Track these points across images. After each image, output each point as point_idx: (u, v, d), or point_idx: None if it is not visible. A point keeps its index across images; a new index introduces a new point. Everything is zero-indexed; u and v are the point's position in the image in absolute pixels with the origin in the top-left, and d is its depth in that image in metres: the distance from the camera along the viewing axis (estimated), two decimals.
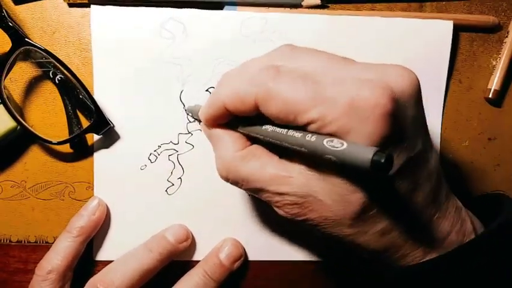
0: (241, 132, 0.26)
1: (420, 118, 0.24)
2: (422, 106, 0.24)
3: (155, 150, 0.34)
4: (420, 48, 0.34)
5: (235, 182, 0.26)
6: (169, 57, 0.34)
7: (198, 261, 0.34)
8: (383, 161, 0.18)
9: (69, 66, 0.31)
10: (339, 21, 0.34)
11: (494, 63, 0.36)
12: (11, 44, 0.31)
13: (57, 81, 0.33)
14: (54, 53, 0.31)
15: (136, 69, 0.33)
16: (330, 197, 0.23)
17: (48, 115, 0.34)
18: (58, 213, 0.34)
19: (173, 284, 0.32)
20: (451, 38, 0.34)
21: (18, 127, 0.32)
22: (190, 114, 0.34)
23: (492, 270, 0.24)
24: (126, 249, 0.33)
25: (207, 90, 0.34)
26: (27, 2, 0.34)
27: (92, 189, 0.34)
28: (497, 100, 0.36)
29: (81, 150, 0.34)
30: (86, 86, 0.32)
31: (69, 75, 0.32)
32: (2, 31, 0.31)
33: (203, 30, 0.33)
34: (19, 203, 0.34)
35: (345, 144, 0.20)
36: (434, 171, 0.24)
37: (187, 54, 0.34)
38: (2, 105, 0.31)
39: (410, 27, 0.34)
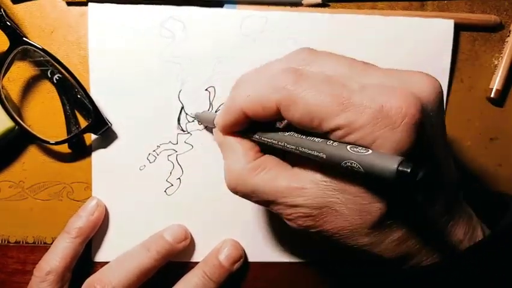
0: (254, 140, 0.25)
1: (443, 125, 0.24)
2: (444, 113, 0.24)
3: (154, 151, 0.34)
4: (421, 47, 0.34)
5: (244, 195, 0.25)
6: (169, 56, 0.33)
7: (197, 263, 0.34)
8: (409, 171, 0.18)
9: (67, 65, 0.31)
10: (340, 19, 0.34)
11: (496, 62, 0.36)
12: (9, 43, 0.31)
13: (55, 81, 0.33)
14: (53, 52, 0.31)
15: (134, 68, 0.33)
16: (346, 207, 0.22)
17: (46, 115, 0.34)
18: (56, 214, 0.34)
19: (172, 285, 0.32)
20: (452, 37, 0.34)
21: (16, 127, 0.32)
22: (198, 121, 0.34)
23: (499, 272, 0.24)
24: (125, 250, 0.33)
25: (206, 90, 0.34)
26: (25, 1, 0.33)
27: (91, 190, 0.34)
28: (499, 100, 0.36)
29: (79, 150, 0.34)
30: (84, 85, 0.32)
31: (67, 74, 0.32)
32: (0, 30, 0.30)
33: (203, 28, 0.33)
34: (17, 203, 0.34)
35: (370, 151, 0.20)
36: (451, 179, 0.24)
37: (187, 53, 0.33)
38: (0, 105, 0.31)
39: (411, 26, 0.34)
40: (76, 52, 0.34)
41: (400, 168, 0.18)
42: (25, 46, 0.31)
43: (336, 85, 0.21)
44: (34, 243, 0.35)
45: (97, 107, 0.32)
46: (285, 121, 0.25)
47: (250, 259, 0.35)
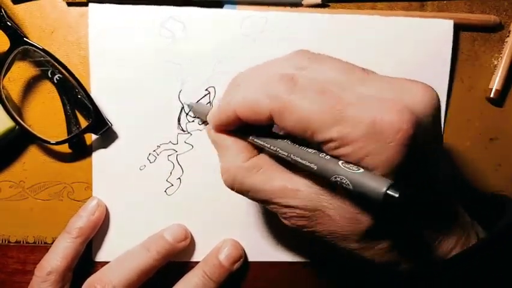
0: (249, 141, 0.25)
1: (438, 137, 0.24)
2: (441, 125, 0.24)
3: (154, 151, 0.34)
4: (421, 48, 0.34)
5: (241, 193, 0.25)
6: (169, 56, 0.33)
7: (197, 262, 0.34)
8: (397, 196, 0.18)
9: (67, 65, 0.31)
10: (340, 20, 0.34)
11: (495, 62, 0.36)
12: (9, 44, 0.31)
13: (55, 81, 0.33)
14: (53, 52, 0.31)
15: (134, 68, 0.33)
16: (338, 213, 0.23)
17: (46, 115, 0.34)
18: (57, 214, 0.34)
19: (172, 285, 0.32)
20: (452, 37, 0.34)
21: (17, 127, 0.32)
22: (191, 111, 0.34)
23: (490, 276, 0.24)
24: (125, 250, 0.33)
25: (206, 90, 0.34)
26: (25, 2, 0.33)
27: (91, 190, 0.34)
28: (499, 100, 0.36)
29: (79, 150, 0.34)
30: (85, 85, 0.32)
31: (67, 74, 0.32)
32: (1, 30, 0.30)
33: (203, 29, 0.33)
34: (18, 203, 0.34)
35: (362, 170, 0.20)
36: (445, 190, 0.24)
37: (187, 53, 0.33)
38: (0, 105, 0.31)
39: (411, 26, 0.34)
40: (76, 52, 0.34)
41: (388, 192, 0.18)
42: (25, 46, 0.31)
43: (330, 96, 0.21)
44: (34, 243, 0.35)
45: (97, 107, 0.32)
46: None
47: (250, 259, 0.35)
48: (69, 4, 0.33)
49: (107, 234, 0.34)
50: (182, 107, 0.34)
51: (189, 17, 0.33)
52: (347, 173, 0.20)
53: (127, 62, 0.33)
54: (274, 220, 0.35)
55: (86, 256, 0.34)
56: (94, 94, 0.33)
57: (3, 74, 0.31)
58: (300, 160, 0.22)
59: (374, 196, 0.19)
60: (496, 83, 0.35)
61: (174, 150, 0.34)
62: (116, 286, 0.30)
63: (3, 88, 0.31)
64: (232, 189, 0.25)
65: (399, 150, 0.20)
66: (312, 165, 0.21)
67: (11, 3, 0.33)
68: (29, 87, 0.34)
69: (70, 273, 0.32)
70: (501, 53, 0.35)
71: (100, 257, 0.34)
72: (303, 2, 0.34)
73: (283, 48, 0.33)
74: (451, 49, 0.34)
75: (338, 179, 0.20)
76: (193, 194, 0.34)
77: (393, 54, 0.34)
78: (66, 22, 0.33)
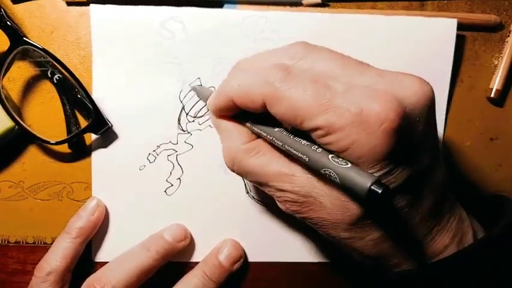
0: (248, 128, 0.26)
1: (431, 132, 0.24)
2: (435, 119, 0.24)
3: (154, 151, 0.34)
4: (422, 47, 0.34)
5: (240, 174, 0.26)
6: (169, 57, 0.33)
7: (196, 263, 0.34)
8: (380, 192, 0.19)
9: (67, 65, 0.31)
10: (340, 19, 0.34)
11: (496, 62, 0.36)
12: (9, 43, 0.31)
13: (55, 81, 0.33)
14: (53, 52, 0.31)
15: (135, 68, 0.33)
16: (330, 201, 0.23)
17: (46, 115, 0.34)
18: (56, 214, 0.34)
19: (172, 286, 0.32)
20: (455, 36, 0.34)
21: (16, 127, 0.32)
22: (195, 93, 0.33)
23: (487, 277, 0.24)
24: (125, 250, 0.33)
25: None
26: (25, 1, 0.33)
27: (91, 190, 0.34)
28: (499, 100, 0.36)
29: (79, 150, 0.34)
30: (85, 85, 0.32)
31: (67, 74, 0.32)
32: (0, 30, 0.30)
33: (203, 29, 0.33)
34: (17, 203, 0.34)
35: (349, 164, 0.20)
36: (439, 185, 0.24)
37: (187, 53, 0.33)
38: (0, 104, 0.31)
39: (412, 25, 0.34)
40: (76, 52, 0.34)
41: (372, 188, 0.19)
42: (25, 46, 0.31)
43: (321, 86, 0.21)
44: (34, 243, 0.34)
45: (97, 107, 0.32)
46: None
47: (250, 259, 0.35)
48: (69, 4, 0.33)
49: (106, 234, 0.34)
50: (183, 107, 0.34)
51: (189, 17, 0.33)
52: (335, 166, 0.20)
53: (127, 62, 0.33)
54: (275, 220, 0.35)
55: (86, 256, 0.34)
56: (94, 94, 0.33)
57: (2, 73, 0.31)
58: (293, 151, 0.23)
59: (358, 191, 0.19)
60: (496, 83, 0.35)
61: (174, 150, 0.34)
62: (115, 286, 0.30)
63: (2, 88, 0.31)
64: (233, 170, 0.26)
65: (385, 139, 0.20)
66: (304, 157, 0.22)
67: (10, 3, 0.33)
68: (29, 87, 0.34)
69: (69, 273, 0.32)
70: (501, 53, 0.35)
71: (100, 257, 0.34)
72: (303, 2, 0.34)
73: None
74: (453, 48, 0.34)
75: (327, 172, 0.21)
76: (193, 194, 0.34)
77: (394, 53, 0.34)
78: (66, 22, 0.33)
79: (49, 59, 0.31)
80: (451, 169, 0.36)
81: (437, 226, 0.24)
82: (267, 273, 0.35)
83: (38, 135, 0.32)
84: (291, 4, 0.34)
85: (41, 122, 0.34)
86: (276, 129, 0.24)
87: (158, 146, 0.34)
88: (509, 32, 0.35)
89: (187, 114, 0.34)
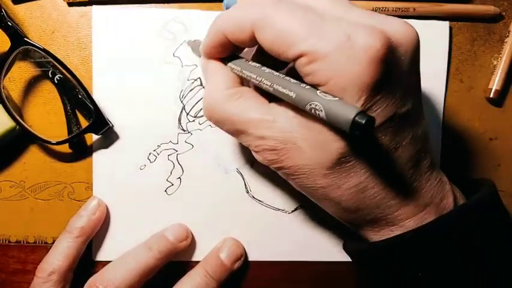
0: (235, 73, 0.26)
1: (415, 78, 0.24)
2: (419, 69, 0.24)
3: (154, 150, 0.34)
4: None
5: (218, 122, 0.26)
6: (170, 57, 0.33)
7: (197, 262, 0.34)
8: (363, 122, 0.19)
9: (68, 65, 0.31)
10: None
11: (495, 62, 0.36)
12: (10, 44, 0.31)
13: (56, 81, 0.33)
14: (54, 52, 0.31)
15: (135, 69, 0.33)
16: (309, 144, 0.23)
17: (47, 115, 0.34)
18: (57, 214, 0.34)
19: (174, 285, 0.32)
20: (448, 38, 0.34)
21: (17, 127, 0.32)
22: (191, 48, 0.33)
23: (467, 246, 0.24)
24: (126, 250, 0.33)
25: None
26: (26, 2, 0.33)
27: (91, 190, 0.34)
28: (498, 100, 0.36)
29: (80, 150, 0.34)
30: (85, 85, 0.32)
31: (68, 75, 0.32)
32: (1, 30, 0.30)
33: (204, 30, 0.33)
34: (18, 203, 0.34)
35: (337, 98, 0.20)
36: (420, 137, 0.24)
37: (188, 54, 0.33)
38: (0, 105, 0.31)
39: None
40: (77, 52, 0.34)
41: (356, 119, 0.19)
42: (26, 46, 0.31)
43: (310, 13, 0.21)
44: (35, 243, 0.35)
45: (98, 107, 0.32)
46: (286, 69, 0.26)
47: (251, 258, 0.35)
48: (70, 4, 0.33)
49: (107, 234, 0.34)
50: (183, 107, 0.34)
51: (190, 19, 0.33)
52: (322, 99, 0.20)
53: (128, 62, 0.33)
54: (274, 220, 0.35)
55: (86, 256, 0.34)
56: (95, 94, 0.33)
57: (3, 74, 0.31)
58: (280, 89, 0.22)
59: (342, 123, 0.19)
60: (495, 83, 0.35)
61: (174, 149, 0.34)
62: (118, 286, 0.30)
63: (3, 88, 0.31)
64: (210, 118, 0.26)
65: (370, 68, 0.20)
66: (291, 94, 0.22)
67: (11, 3, 0.33)
68: (30, 87, 0.34)
69: (71, 273, 0.32)
70: (501, 53, 0.36)
71: (100, 256, 0.34)
72: None
73: None
74: (447, 50, 0.35)
75: (313, 106, 0.20)
76: (193, 193, 0.34)
77: None
78: (67, 22, 0.34)
79: (50, 59, 0.31)
80: (450, 169, 0.36)
81: (417, 182, 0.24)
82: (267, 272, 0.35)
83: (39, 135, 0.32)
84: None
85: (42, 122, 0.34)
86: (267, 70, 0.24)
87: (158, 146, 0.34)
88: (508, 32, 0.35)
89: (187, 114, 0.34)
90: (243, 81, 0.27)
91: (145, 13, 0.33)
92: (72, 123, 0.33)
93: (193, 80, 0.34)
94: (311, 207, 0.34)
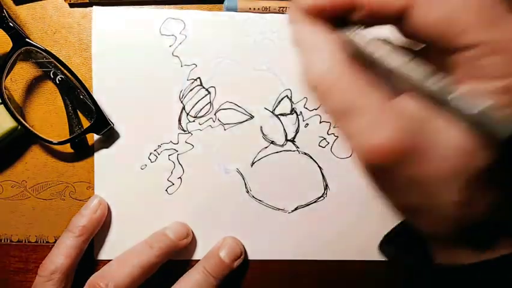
0: (354, 47, 0.19)
1: None
2: None
3: (155, 150, 0.34)
4: None
5: (323, 95, 0.18)
6: (170, 57, 0.34)
7: (197, 261, 0.34)
8: None
9: (69, 66, 0.32)
10: None
11: None
12: (11, 44, 0.31)
13: (57, 82, 0.34)
14: (55, 53, 0.32)
15: (136, 69, 0.34)
16: (447, 140, 0.17)
17: (48, 115, 0.34)
18: (59, 213, 0.35)
19: (173, 283, 0.32)
20: None
21: (19, 127, 0.32)
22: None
23: None
24: (126, 248, 0.33)
25: (206, 90, 0.34)
26: (28, 2, 0.34)
27: (93, 189, 0.34)
28: None
29: (81, 150, 0.34)
30: (87, 86, 0.32)
31: (69, 75, 0.32)
32: (3, 31, 0.31)
33: (203, 30, 0.34)
34: (20, 202, 0.35)
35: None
36: None
37: (188, 54, 0.34)
38: (2, 105, 0.31)
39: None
40: (78, 53, 0.34)
41: None
42: (28, 47, 0.31)
43: (488, 1, 0.17)
44: (36, 242, 0.35)
45: (99, 107, 0.32)
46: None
47: (250, 257, 0.35)
48: (71, 5, 0.34)
49: (108, 233, 0.35)
50: (183, 107, 0.34)
51: (190, 19, 0.33)
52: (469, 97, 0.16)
53: (128, 62, 0.34)
54: (274, 219, 0.35)
55: (88, 254, 0.34)
56: (96, 94, 0.33)
57: (5, 74, 0.31)
58: (414, 78, 0.17)
59: (498, 129, 0.15)
60: None
61: (175, 149, 0.34)
62: (119, 283, 0.30)
63: (5, 89, 0.32)
64: (314, 89, 0.18)
65: None
66: (430, 86, 0.17)
67: (13, 4, 0.33)
68: (31, 87, 0.34)
69: (73, 271, 0.32)
70: None
71: (102, 255, 0.35)
72: None
73: (284, 48, 0.33)
74: None
75: (456, 102, 0.16)
76: (194, 193, 0.35)
77: None
78: (68, 23, 0.34)
79: (51, 60, 0.31)
80: None
81: None
82: (267, 270, 0.36)
83: (41, 135, 0.32)
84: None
85: (44, 123, 0.34)
86: (396, 48, 0.18)
87: (159, 146, 0.34)
88: None
89: (187, 114, 0.34)
90: None
91: (145, 14, 0.33)
92: (73, 123, 0.34)
93: (192, 80, 0.34)
94: (311, 207, 0.34)
